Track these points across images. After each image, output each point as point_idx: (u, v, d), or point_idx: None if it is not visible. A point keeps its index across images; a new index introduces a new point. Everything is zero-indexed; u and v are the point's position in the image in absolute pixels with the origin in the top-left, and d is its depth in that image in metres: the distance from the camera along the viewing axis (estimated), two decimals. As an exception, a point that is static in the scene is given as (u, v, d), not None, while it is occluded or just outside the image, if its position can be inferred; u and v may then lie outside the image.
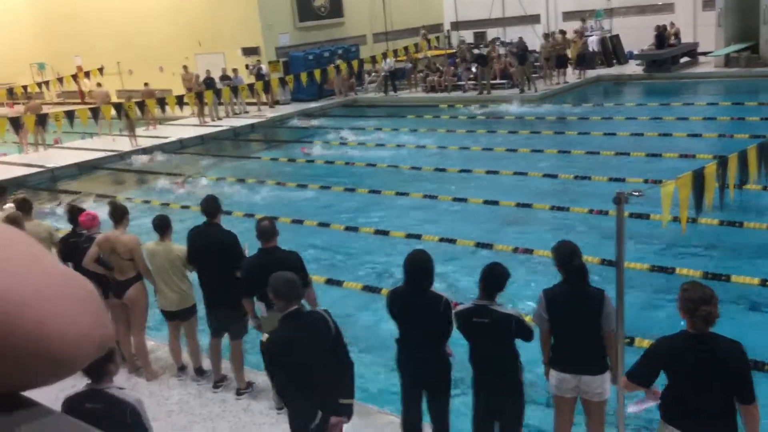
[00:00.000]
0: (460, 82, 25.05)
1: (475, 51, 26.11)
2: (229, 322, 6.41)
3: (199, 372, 6.83)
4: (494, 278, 4.76)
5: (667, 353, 3.98)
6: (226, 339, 6.57)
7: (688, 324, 3.87)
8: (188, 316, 6.68)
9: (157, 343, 7.62)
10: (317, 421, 4.37)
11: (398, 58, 28.10)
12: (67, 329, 0.62)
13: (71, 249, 6.80)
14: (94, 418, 3.73)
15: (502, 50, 26.32)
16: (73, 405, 3.90)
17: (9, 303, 0.58)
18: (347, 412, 4.59)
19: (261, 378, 6.67)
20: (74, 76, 30.67)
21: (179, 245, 6.55)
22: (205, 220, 6.45)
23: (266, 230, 5.69)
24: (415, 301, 4.93)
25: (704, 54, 25.48)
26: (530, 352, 6.46)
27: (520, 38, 25.76)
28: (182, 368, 6.92)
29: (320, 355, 4.39)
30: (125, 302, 6.71)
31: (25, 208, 7.59)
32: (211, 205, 6.43)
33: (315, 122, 22.94)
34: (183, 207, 13.02)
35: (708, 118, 17.25)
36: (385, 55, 27.44)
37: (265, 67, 25.90)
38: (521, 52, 23.58)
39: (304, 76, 24.49)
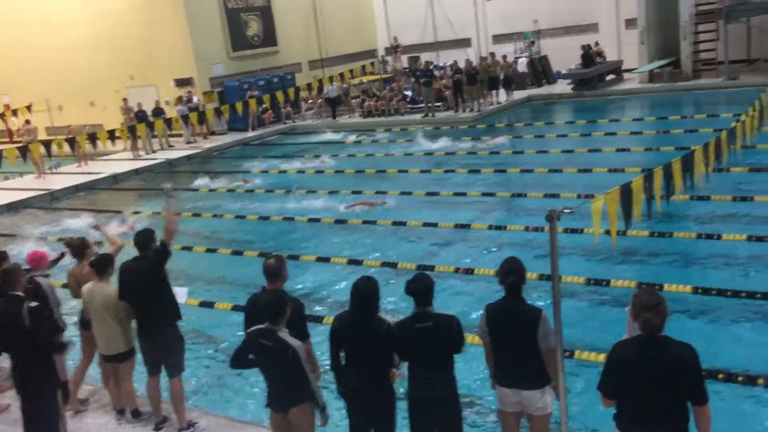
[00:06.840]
0: (416, 105, 25.44)
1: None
2: (162, 353, 6.22)
3: (135, 414, 6.60)
4: (427, 287, 4.82)
5: (619, 358, 3.98)
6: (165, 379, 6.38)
7: (640, 328, 3.90)
8: (123, 360, 6.45)
9: (96, 386, 7.38)
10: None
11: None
12: None
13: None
14: (265, 352, 4.82)
15: (436, 73, 26.77)
16: (251, 338, 4.92)
17: None
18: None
19: (204, 418, 6.51)
20: (1, 115, 29.71)
21: (114, 286, 6.34)
22: (136, 255, 6.29)
23: (268, 270, 5.43)
24: (361, 327, 4.90)
25: (629, 71, 26.48)
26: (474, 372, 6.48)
27: (426, 62, 26.72)
28: (121, 411, 6.69)
29: (15, 335, 5.40)
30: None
31: None
32: (142, 238, 6.27)
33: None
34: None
35: (635, 132, 17.88)
36: (320, 82, 27.56)
37: (196, 98, 25.66)
38: (426, 75, 24.61)
39: (239, 106, 24.40)
